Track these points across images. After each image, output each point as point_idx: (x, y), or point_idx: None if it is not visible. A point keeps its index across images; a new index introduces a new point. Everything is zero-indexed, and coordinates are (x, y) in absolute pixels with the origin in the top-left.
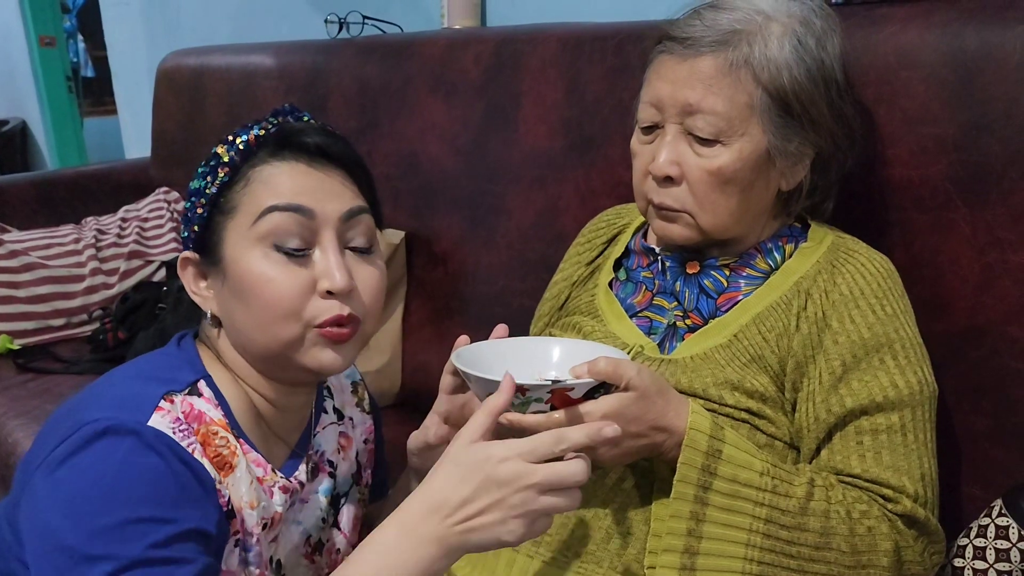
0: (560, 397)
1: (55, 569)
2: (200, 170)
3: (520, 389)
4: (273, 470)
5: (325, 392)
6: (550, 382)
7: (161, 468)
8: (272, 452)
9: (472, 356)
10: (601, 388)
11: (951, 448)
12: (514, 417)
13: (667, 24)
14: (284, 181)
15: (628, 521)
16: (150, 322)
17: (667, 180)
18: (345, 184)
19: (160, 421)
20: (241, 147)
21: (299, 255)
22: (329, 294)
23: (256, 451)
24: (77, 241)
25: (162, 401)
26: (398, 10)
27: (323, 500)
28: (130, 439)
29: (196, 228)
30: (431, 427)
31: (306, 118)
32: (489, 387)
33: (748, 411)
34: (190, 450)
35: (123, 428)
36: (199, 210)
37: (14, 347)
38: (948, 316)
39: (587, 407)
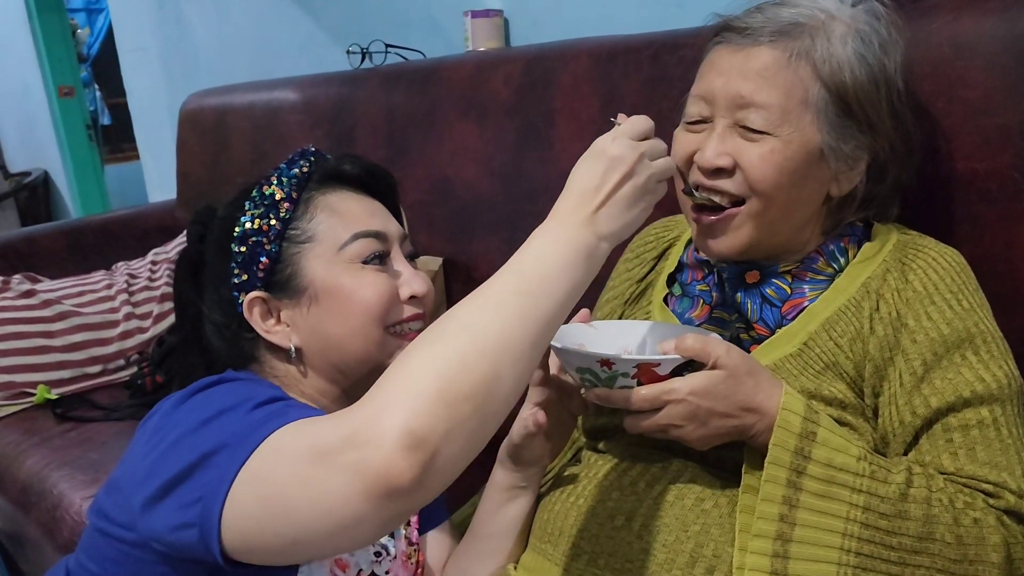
0: (647, 373)
1: (216, 471)
2: (252, 212)
3: (606, 363)
4: None
5: None
6: (637, 357)
7: (274, 390)
8: None
9: (561, 336)
10: (689, 366)
11: None
12: (601, 392)
13: (726, 17)
14: (352, 208)
15: (713, 543)
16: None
17: (716, 172)
18: (385, 209)
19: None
20: (294, 182)
21: (384, 266)
22: (412, 299)
23: None
24: (109, 287)
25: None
26: (419, 37)
27: None
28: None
29: (266, 262)
30: (528, 418)
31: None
32: (585, 360)
33: None
34: None
35: (237, 378)
36: (267, 246)
37: (52, 397)
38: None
39: (673, 383)
